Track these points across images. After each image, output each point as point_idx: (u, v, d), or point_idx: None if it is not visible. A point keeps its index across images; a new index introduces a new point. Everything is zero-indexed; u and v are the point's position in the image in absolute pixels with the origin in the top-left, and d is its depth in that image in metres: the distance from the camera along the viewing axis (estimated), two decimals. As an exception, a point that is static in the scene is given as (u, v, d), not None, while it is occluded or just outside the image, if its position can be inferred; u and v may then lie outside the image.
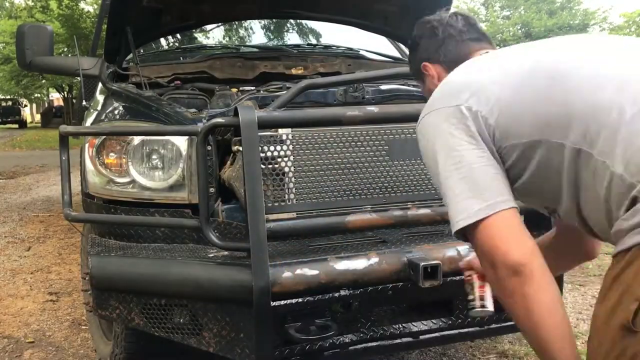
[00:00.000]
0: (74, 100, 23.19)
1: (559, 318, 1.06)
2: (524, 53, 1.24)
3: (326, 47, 3.32)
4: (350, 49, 3.20)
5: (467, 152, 1.12)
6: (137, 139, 1.89)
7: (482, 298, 1.49)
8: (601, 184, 1.00)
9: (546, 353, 1.07)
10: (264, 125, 1.65)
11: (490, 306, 1.49)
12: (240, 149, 1.64)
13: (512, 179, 1.16)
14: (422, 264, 1.68)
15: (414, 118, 1.81)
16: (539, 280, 1.05)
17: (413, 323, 1.84)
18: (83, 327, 3.01)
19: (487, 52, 1.37)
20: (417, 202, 1.87)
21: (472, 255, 1.52)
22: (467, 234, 1.12)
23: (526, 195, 1.21)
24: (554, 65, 1.12)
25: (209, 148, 1.81)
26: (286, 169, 1.70)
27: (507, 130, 1.12)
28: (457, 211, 1.12)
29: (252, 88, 2.31)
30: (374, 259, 1.72)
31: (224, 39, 3.72)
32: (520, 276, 1.05)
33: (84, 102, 3.17)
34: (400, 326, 1.82)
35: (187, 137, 1.86)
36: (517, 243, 1.07)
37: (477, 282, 1.51)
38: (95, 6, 16.87)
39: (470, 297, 1.51)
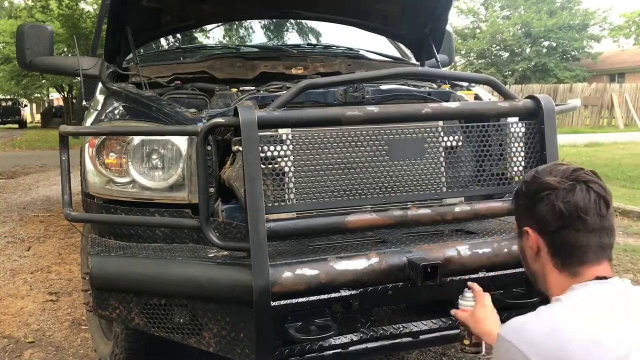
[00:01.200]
0: (74, 100, 23.18)
1: None
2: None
3: (326, 47, 3.32)
4: (350, 49, 3.20)
5: None
6: (137, 139, 1.89)
7: (476, 344, 1.61)
8: None
9: None
10: (264, 125, 1.65)
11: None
12: (240, 149, 1.64)
13: None
14: (422, 264, 1.68)
15: (413, 118, 1.83)
16: None
17: (413, 323, 1.84)
18: (83, 327, 3.01)
19: (599, 281, 1.20)
20: (417, 202, 1.87)
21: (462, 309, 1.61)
22: None
23: None
24: None
25: (209, 148, 1.81)
26: (286, 169, 1.70)
27: None
28: None
29: (252, 88, 2.31)
30: (374, 259, 1.72)
31: (224, 39, 3.71)
32: None
33: (84, 102, 3.17)
34: (400, 326, 1.82)
35: (187, 137, 1.86)
36: None
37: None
38: (95, 6, 16.86)
39: (466, 342, 1.62)
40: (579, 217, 1.19)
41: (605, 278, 1.21)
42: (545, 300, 1.28)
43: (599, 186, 1.22)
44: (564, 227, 1.21)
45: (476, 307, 1.56)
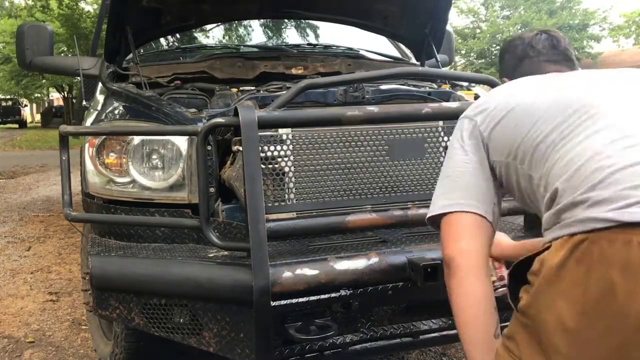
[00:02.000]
0: (74, 100, 23.21)
1: (473, 317, 1.21)
2: (559, 87, 1.27)
3: (326, 47, 3.31)
4: (350, 49, 3.19)
5: (456, 157, 1.33)
6: (137, 139, 1.89)
7: (501, 278, 1.67)
8: None
9: (464, 344, 1.24)
10: (264, 125, 1.65)
11: None
12: (240, 149, 1.64)
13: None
14: (422, 264, 1.68)
15: (413, 118, 1.83)
16: (462, 277, 1.23)
17: (413, 323, 1.84)
18: (83, 327, 3.01)
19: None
20: (417, 202, 1.87)
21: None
22: (435, 224, 1.33)
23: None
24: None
25: (209, 148, 1.81)
26: (286, 169, 1.70)
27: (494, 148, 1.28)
28: (432, 203, 1.35)
29: (252, 88, 2.31)
30: (374, 259, 1.72)
31: (224, 38, 3.71)
32: (449, 269, 1.25)
33: (84, 102, 3.17)
34: (400, 326, 1.82)
35: (187, 137, 1.86)
36: (454, 241, 1.26)
37: (493, 264, 1.68)
38: (95, 6, 16.87)
39: (492, 278, 1.66)
40: (530, 45, 1.46)
41: None
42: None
43: (556, 33, 1.47)
44: (523, 59, 1.47)
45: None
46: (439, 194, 1.34)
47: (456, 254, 1.23)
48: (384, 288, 1.73)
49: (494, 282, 1.66)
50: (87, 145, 1.95)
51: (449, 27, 3.32)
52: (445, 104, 1.98)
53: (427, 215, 1.34)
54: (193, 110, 2.05)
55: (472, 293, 1.22)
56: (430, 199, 1.89)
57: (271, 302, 1.59)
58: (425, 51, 3.08)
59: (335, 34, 3.43)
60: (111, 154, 1.93)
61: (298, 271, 1.64)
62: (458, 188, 1.30)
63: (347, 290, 1.69)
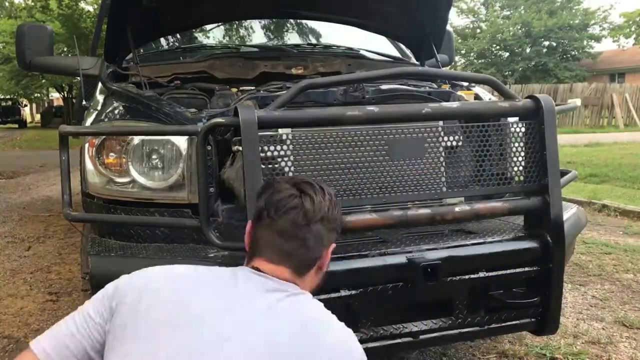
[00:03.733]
0: (74, 100, 23.21)
1: None
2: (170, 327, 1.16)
3: (326, 47, 3.32)
4: (351, 49, 3.20)
5: (83, 307, 1.29)
6: (137, 139, 1.89)
7: None
8: None
9: None
10: (264, 125, 1.65)
11: None
12: (240, 149, 1.64)
13: None
14: (422, 264, 1.68)
15: (413, 118, 1.83)
16: None
17: (413, 323, 1.84)
18: (83, 327, 3.00)
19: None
20: (417, 202, 1.87)
21: None
22: None
23: None
24: None
25: (209, 148, 1.81)
26: (286, 169, 1.70)
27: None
28: None
29: (252, 88, 2.31)
30: (374, 259, 1.72)
31: (224, 39, 3.71)
32: None
33: (83, 102, 3.16)
34: (400, 326, 1.82)
35: (187, 137, 1.86)
36: None
37: None
38: (95, 6, 16.87)
39: None
40: (268, 214, 1.27)
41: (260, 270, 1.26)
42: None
43: (310, 200, 1.26)
44: (259, 219, 1.31)
45: None
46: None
47: None
48: (384, 288, 1.73)
49: None
50: (87, 145, 1.95)
51: (449, 27, 3.33)
52: (445, 104, 1.98)
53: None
54: (193, 110, 2.05)
55: None
56: (430, 199, 1.90)
57: (271, 302, 1.59)
58: (425, 51, 3.08)
59: (335, 34, 3.43)
60: (111, 154, 1.93)
61: (298, 271, 1.64)
62: (54, 329, 1.24)
63: (347, 290, 1.69)
